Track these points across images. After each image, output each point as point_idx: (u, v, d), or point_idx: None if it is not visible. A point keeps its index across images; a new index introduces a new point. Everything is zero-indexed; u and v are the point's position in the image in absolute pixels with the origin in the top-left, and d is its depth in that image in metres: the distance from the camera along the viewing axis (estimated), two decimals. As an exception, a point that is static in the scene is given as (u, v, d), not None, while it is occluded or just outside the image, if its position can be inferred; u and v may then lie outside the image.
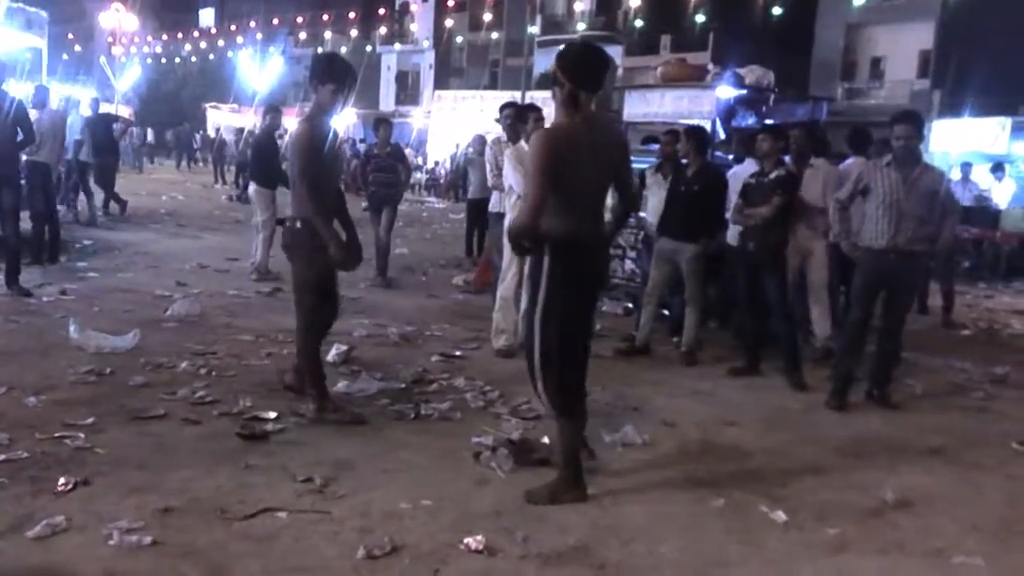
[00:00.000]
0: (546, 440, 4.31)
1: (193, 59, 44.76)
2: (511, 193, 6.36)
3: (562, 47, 3.65)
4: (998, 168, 14.72)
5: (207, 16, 53.37)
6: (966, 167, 13.69)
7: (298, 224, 4.48)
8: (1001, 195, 14.32)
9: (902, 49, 27.67)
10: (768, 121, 8.71)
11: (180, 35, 44.56)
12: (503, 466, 3.98)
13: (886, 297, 5.46)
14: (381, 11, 37.91)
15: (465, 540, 3.21)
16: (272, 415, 4.53)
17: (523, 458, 4.06)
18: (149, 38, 46.15)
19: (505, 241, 6.40)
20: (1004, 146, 19.44)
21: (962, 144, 17.60)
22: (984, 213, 13.42)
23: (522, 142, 6.43)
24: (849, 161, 7.52)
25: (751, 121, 8.75)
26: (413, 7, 40.18)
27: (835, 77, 28.12)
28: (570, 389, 3.61)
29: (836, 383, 5.54)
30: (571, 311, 3.55)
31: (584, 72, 3.49)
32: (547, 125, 6.46)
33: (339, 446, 4.17)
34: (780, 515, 3.67)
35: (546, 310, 3.51)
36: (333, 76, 4.51)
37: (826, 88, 24.31)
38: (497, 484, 3.84)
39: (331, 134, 4.68)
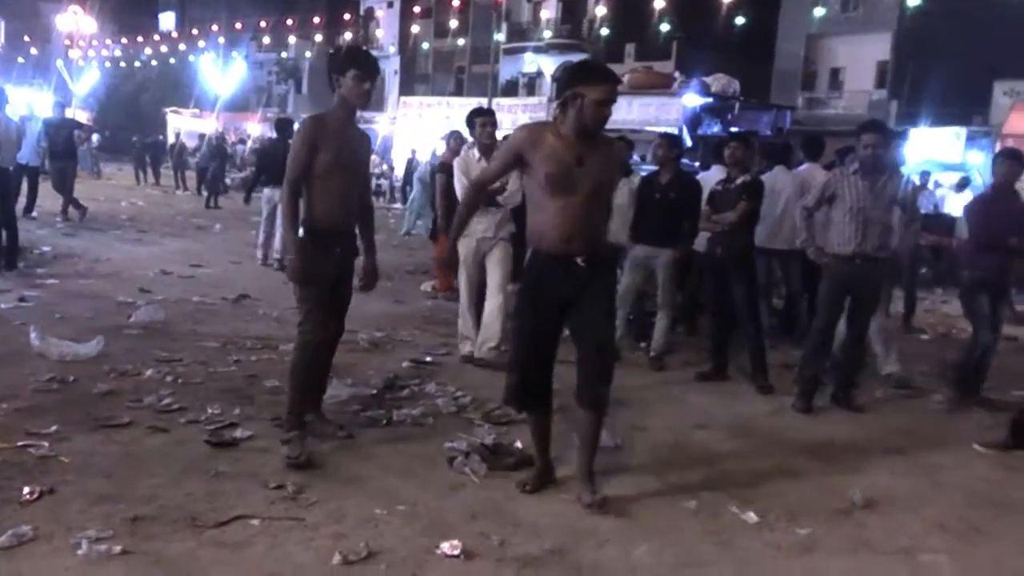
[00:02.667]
0: (519, 444, 4.33)
1: (153, 63, 44.18)
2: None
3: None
4: (964, 183, 15.13)
5: (167, 20, 52.80)
6: (925, 175, 13.99)
7: (300, 231, 4.19)
8: (956, 205, 14.67)
9: (860, 60, 28.23)
10: (733, 129, 8.86)
11: (140, 39, 43.95)
12: (477, 471, 3.97)
13: (851, 303, 5.55)
14: (346, 16, 37.75)
15: (441, 545, 3.20)
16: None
17: (497, 463, 4.06)
18: (108, 41, 45.51)
19: (461, 251, 6.28)
20: (959, 155, 19.88)
21: (919, 153, 17.93)
22: (941, 221, 13.69)
23: (474, 150, 6.27)
24: (803, 167, 7.66)
25: (716, 129, 8.89)
26: (378, 13, 40.14)
27: (796, 86, 28.61)
28: None
29: (802, 387, 5.62)
30: None
31: None
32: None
33: (310, 453, 4.13)
34: (751, 516, 3.71)
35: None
36: (354, 61, 4.18)
37: (787, 97, 24.69)
38: (471, 489, 3.83)
39: (353, 132, 4.33)
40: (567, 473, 3.99)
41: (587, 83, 3.55)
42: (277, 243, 9.95)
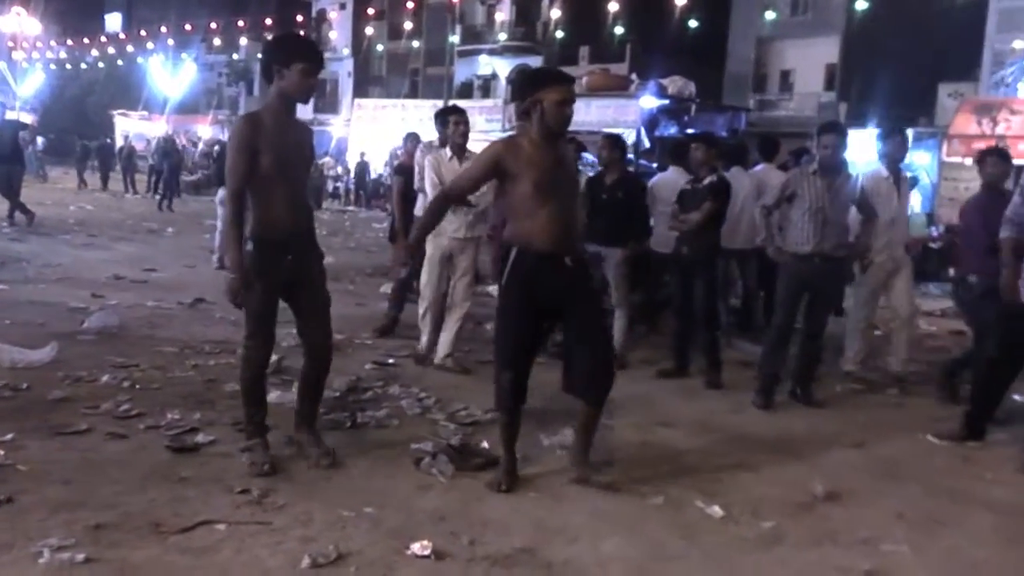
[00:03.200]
0: (486, 445, 4.33)
1: (100, 65, 43.29)
2: None
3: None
4: (912, 183, 15.45)
5: (114, 21, 51.77)
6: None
7: (248, 243, 3.83)
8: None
9: (810, 63, 28.70)
10: (690, 130, 8.96)
11: (86, 40, 43.04)
12: (444, 472, 3.96)
13: (809, 300, 5.64)
14: (299, 18, 37.39)
15: (411, 546, 3.18)
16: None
17: (464, 463, 4.05)
18: (52, 43, 44.49)
19: (429, 249, 6.07)
20: (906, 156, 20.30)
21: (867, 154, 18.32)
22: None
23: (446, 149, 6.20)
24: (759, 167, 7.79)
25: (673, 130, 8.98)
26: (331, 14, 39.78)
27: (747, 89, 28.97)
28: None
29: (762, 383, 5.69)
30: None
31: None
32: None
33: (274, 457, 4.09)
34: (716, 510, 3.76)
35: None
36: (301, 53, 3.78)
37: (738, 99, 25.03)
38: (439, 489, 3.82)
39: (294, 127, 3.93)
40: (536, 471, 4.02)
41: (543, 88, 3.72)
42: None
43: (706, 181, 6.13)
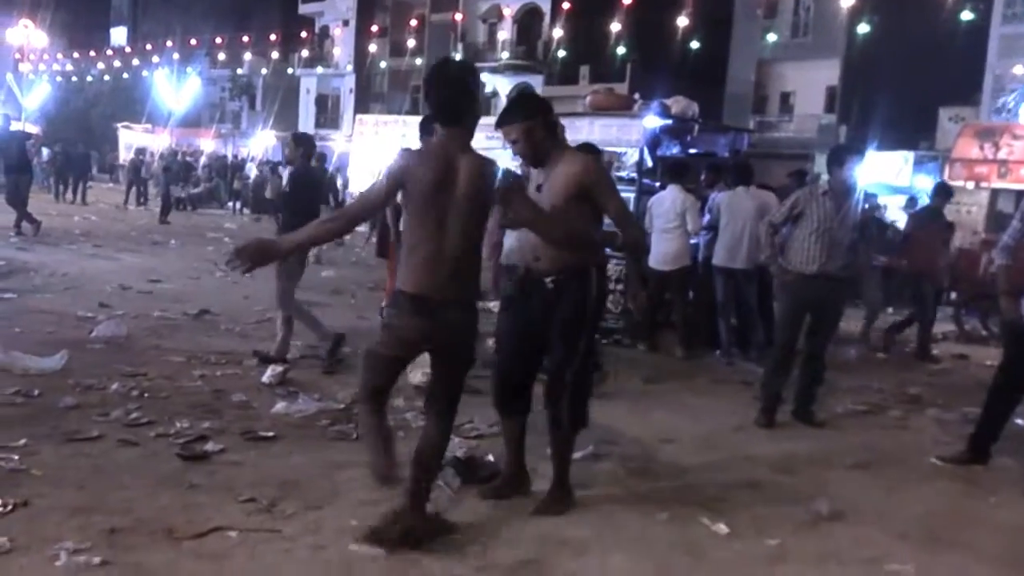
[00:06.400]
0: (491, 458, 4.36)
1: (106, 78, 43.51)
2: None
3: None
4: (911, 203, 15.60)
5: (119, 35, 52.10)
6: (871, 198, 14.33)
7: None
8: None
9: (810, 85, 28.85)
10: (692, 150, 9.04)
11: (92, 53, 43.31)
12: (451, 484, 4.00)
13: (812, 320, 5.69)
14: (303, 34, 37.63)
15: (419, 556, 3.22)
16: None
17: (471, 476, 4.09)
18: (59, 55, 44.80)
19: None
20: (907, 178, 20.42)
21: (869, 176, 18.45)
22: (891, 243, 14.04)
23: None
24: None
25: (676, 150, 9.04)
26: (335, 31, 40.02)
27: (747, 110, 29.11)
28: None
29: (765, 402, 5.72)
30: None
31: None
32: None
33: (282, 466, 4.14)
34: (722, 527, 3.79)
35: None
36: None
37: (739, 120, 25.10)
38: (446, 501, 3.85)
39: None
40: (542, 485, 4.05)
41: None
42: None
43: None
